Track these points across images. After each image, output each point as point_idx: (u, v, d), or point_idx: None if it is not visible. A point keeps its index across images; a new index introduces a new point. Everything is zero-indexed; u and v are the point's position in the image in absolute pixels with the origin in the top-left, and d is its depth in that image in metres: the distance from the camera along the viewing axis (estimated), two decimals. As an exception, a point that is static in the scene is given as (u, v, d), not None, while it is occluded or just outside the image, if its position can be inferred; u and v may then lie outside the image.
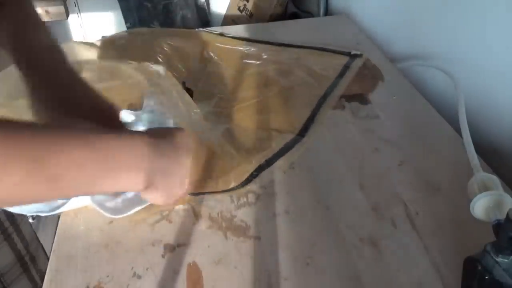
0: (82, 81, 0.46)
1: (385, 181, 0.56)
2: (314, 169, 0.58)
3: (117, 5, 1.34)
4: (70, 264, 0.47)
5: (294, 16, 1.31)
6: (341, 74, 0.76)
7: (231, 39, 0.87)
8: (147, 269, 0.46)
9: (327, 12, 1.16)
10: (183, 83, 0.70)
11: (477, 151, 0.50)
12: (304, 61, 0.80)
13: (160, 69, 0.59)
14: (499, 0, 0.59)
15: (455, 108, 0.60)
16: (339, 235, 0.49)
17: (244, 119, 0.67)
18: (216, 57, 0.82)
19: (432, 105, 0.70)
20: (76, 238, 0.50)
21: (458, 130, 0.59)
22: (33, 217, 1.16)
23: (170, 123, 0.56)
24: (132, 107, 0.60)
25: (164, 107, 0.57)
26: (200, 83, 0.75)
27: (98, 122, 0.44)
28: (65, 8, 1.22)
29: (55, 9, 1.19)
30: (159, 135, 0.39)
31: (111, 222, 0.51)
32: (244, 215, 0.52)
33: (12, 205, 0.45)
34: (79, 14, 1.44)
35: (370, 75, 0.77)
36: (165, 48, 0.78)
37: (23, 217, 0.66)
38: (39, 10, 1.07)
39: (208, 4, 1.40)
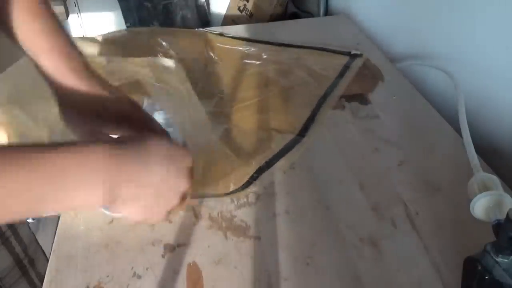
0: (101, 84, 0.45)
1: (385, 181, 0.56)
2: (314, 169, 0.58)
3: (117, 5, 1.34)
4: (70, 264, 0.47)
5: (294, 16, 1.31)
6: (341, 74, 0.76)
7: (231, 39, 0.87)
8: (147, 269, 0.46)
9: (327, 12, 1.16)
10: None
11: (477, 151, 0.50)
12: (304, 61, 0.80)
13: (170, 62, 0.58)
14: (499, 0, 0.59)
15: (455, 108, 0.60)
16: (339, 235, 0.49)
17: (244, 119, 0.67)
18: (216, 57, 0.82)
19: (432, 105, 0.70)
20: (76, 238, 0.50)
21: (458, 130, 0.59)
22: (33, 217, 1.16)
23: (170, 128, 0.54)
24: None
25: (165, 108, 0.57)
26: (200, 83, 0.75)
27: (124, 122, 0.45)
28: (65, 8, 1.22)
29: (55, 9, 1.18)
30: (126, 144, 0.36)
31: (111, 222, 0.51)
32: (244, 215, 0.52)
33: None
34: (79, 14, 1.45)
35: (370, 75, 0.77)
36: (165, 46, 0.78)
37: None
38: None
39: (208, 4, 1.40)
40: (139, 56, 0.62)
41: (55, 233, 0.51)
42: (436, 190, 0.55)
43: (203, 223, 0.51)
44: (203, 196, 0.54)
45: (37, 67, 0.44)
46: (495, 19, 0.60)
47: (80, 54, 0.45)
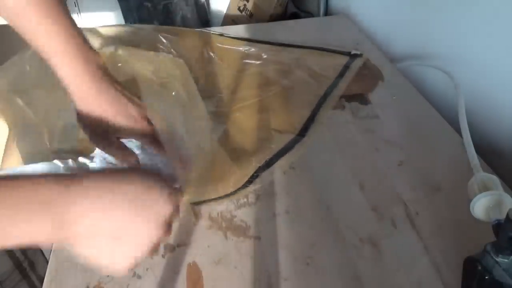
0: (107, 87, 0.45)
1: (385, 181, 0.56)
2: (314, 169, 0.58)
3: (117, 5, 1.34)
4: (70, 264, 0.47)
5: (294, 16, 1.31)
6: (341, 74, 0.76)
7: (231, 39, 0.87)
8: (147, 269, 0.46)
9: (327, 12, 1.16)
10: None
11: (477, 151, 0.50)
12: (304, 61, 0.80)
13: (180, 60, 0.58)
14: (499, 0, 0.59)
15: (455, 108, 0.60)
16: (339, 235, 0.49)
17: (244, 119, 0.67)
18: (216, 57, 0.82)
19: (432, 105, 0.70)
20: (76, 238, 0.50)
21: (458, 130, 0.59)
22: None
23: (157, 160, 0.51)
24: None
25: (166, 107, 0.56)
26: (200, 83, 0.75)
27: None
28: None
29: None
30: (92, 180, 0.33)
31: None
32: (244, 215, 0.52)
33: None
34: (79, 14, 1.44)
35: (370, 75, 0.77)
36: (166, 44, 0.78)
37: None
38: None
39: (208, 4, 1.40)
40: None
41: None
42: (436, 190, 0.55)
43: (203, 223, 0.51)
44: (202, 201, 0.54)
45: (52, 68, 0.43)
46: (495, 19, 0.60)
47: (96, 54, 0.45)
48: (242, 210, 0.52)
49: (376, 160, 0.60)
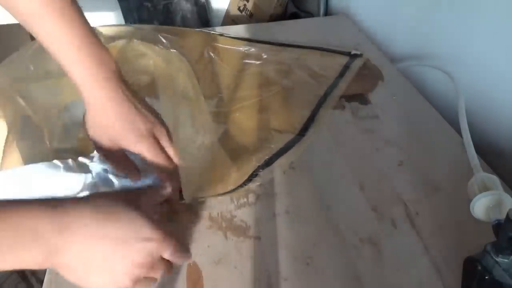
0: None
1: (385, 181, 0.56)
2: (314, 169, 0.58)
3: (117, 5, 1.33)
4: (70, 264, 0.46)
5: (294, 16, 1.31)
6: (341, 74, 0.76)
7: (231, 39, 0.87)
8: (147, 269, 0.46)
9: (327, 12, 1.16)
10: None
11: (477, 151, 0.50)
12: (304, 61, 0.80)
13: (184, 59, 0.58)
14: (499, 0, 0.59)
15: (455, 108, 0.60)
16: (339, 235, 0.49)
17: (244, 119, 0.67)
18: (216, 57, 0.82)
19: (432, 105, 0.70)
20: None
21: (458, 130, 0.59)
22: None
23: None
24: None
25: (168, 106, 0.55)
26: (200, 83, 0.75)
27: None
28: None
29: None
30: (81, 208, 0.34)
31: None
32: (244, 215, 0.52)
33: None
34: (79, 14, 1.44)
35: (370, 75, 0.77)
36: (166, 44, 0.78)
37: None
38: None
39: (208, 4, 1.40)
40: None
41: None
42: (436, 190, 0.55)
43: (203, 223, 0.51)
44: (201, 197, 0.54)
45: (65, 71, 0.43)
46: (495, 19, 0.60)
47: (111, 58, 0.44)
48: (242, 210, 0.52)
49: (376, 160, 0.60)
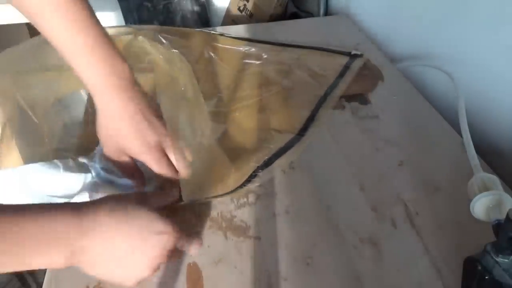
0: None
1: (385, 181, 0.56)
2: (314, 169, 0.58)
3: (117, 5, 1.33)
4: (70, 264, 0.47)
5: (294, 16, 1.31)
6: (341, 74, 0.76)
7: (231, 39, 0.87)
8: (147, 269, 0.46)
9: (327, 12, 1.16)
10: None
11: (477, 151, 0.50)
12: (305, 61, 0.80)
13: (184, 59, 0.58)
14: (499, 0, 0.59)
15: (455, 108, 0.60)
16: (339, 235, 0.49)
17: (244, 119, 0.67)
18: (216, 57, 0.82)
19: (432, 105, 0.70)
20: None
21: (458, 130, 0.59)
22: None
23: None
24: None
25: (167, 105, 0.55)
26: (200, 83, 0.75)
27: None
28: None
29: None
30: (99, 210, 0.36)
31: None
32: (244, 215, 0.52)
33: None
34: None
35: (370, 75, 0.77)
36: (166, 45, 0.78)
37: None
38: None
39: (208, 4, 1.40)
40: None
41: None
42: (436, 190, 0.55)
43: (203, 223, 0.51)
44: (201, 200, 0.53)
45: (80, 78, 0.43)
46: (495, 19, 0.60)
47: (123, 63, 0.44)
48: (242, 210, 0.52)
49: (376, 160, 0.60)
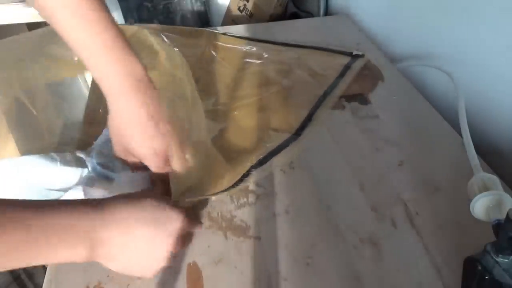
0: None
1: (385, 181, 0.56)
2: (314, 169, 0.58)
3: (117, 5, 1.33)
4: (70, 264, 0.46)
5: (294, 16, 1.31)
6: (342, 74, 0.76)
7: (233, 38, 0.87)
8: (147, 269, 0.46)
9: (327, 12, 1.16)
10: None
11: (477, 151, 0.50)
12: (305, 61, 0.80)
13: (183, 58, 0.58)
14: (499, 0, 0.59)
15: (455, 108, 0.60)
16: (339, 235, 0.49)
17: (243, 117, 0.67)
18: (217, 56, 0.82)
19: (432, 105, 0.70)
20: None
21: (458, 130, 0.59)
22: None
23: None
24: None
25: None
26: (201, 81, 0.76)
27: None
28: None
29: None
30: (114, 205, 0.38)
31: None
32: (244, 215, 0.52)
33: None
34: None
35: (370, 75, 0.77)
36: (168, 44, 0.78)
37: None
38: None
39: (208, 4, 1.40)
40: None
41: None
42: (436, 190, 0.55)
43: (203, 223, 0.51)
44: (196, 198, 0.53)
45: (95, 79, 0.44)
46: (495, 19, 0.60)
47: (138, 64, 0.44)
48: (242, 210, 0.52)
49: (376, 160, 0.60)
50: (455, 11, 0.69)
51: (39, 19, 1.06)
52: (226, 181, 0.54)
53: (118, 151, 0.48)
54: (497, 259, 0.35)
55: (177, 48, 0.72)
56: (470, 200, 0.44)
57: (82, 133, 0.61)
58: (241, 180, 0.55)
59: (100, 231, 0.36)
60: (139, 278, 0.44)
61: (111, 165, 0.51)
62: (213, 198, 0.54)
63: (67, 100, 0.63)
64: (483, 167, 0.51)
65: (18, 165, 0.48)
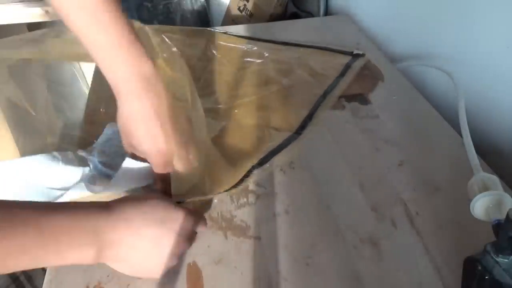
0: None
1: (385, 181, 0.56)
2: (314, 169, 0.58)
3: (117, 5, 1.33)
4: (70, 264, 0.47)
5: (294, 16, 1.31)
6: (342, 74, 0.76)
7: (233, 37, 0.87)
8: (147, 269, 0.46)
9: (327, 12, 1.16)
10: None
11: (477, 151, 0.50)
12: (306, 60, 0.80)
13: (182, 60, 0.58)
14: (499, 0, 0.59)
15: (455, 108, 0.60)
16: (339, 235, 0.49)
17: (243, 116, 0.67)
18: (218, 55, 0.82)
19: (432, 105, 0.70)
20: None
21: (458, 130, 0.59)
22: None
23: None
24: None
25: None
26: (202, 80, 0.76)
27: None
28: (65, 8, 1.22)
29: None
30: (120, 207, 0.39)
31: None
32: (244, 215, 0.52)
33: None
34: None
35: (370, 75, 0.77)
36: (168, 43, 0.78)
37: None
38: (39, 10, 1.07)
39: (208, 4, 1.40)
40: None
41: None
42: (436, 190, 0.55)
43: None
44: (197, 198, 0.53)
45: (103, 73, 0.44)
46: (495, 19, 0.60)
47: (149, 60, 0.44)
48: (242, 210, 0.52)
49: (376, 160, 0.60)
50: (455, 11, 0.69)
51: (39, 19, 1.06)
52: (227, 182, 0.54)
53: (126, 145, 0.49)
54: (497, 259, 0.35)
55: (177, 48, 0.72)
56: (470, 200, 0.44)
57: (83, 132, 0.61)
58: (242, 180, 0.55)
59: (108, 233, 0.37)
60: (139, 278, 0.44)
61: (113, 163, 0.51)
62: (215, 199, 0.54)
63: (67, 100, 0.64)
64: (483, 167, 0.51)
65: (20, 165, 0.48)
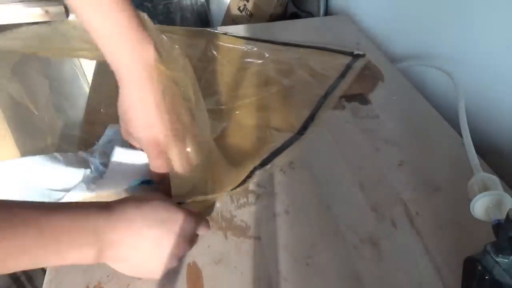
0: None
1: (385, 181, 0.56)
2: (314, 169, 0.58)
3: (117, 5, 1.33)
4: (70, 264, 0.47)
5: (294, 16, 1.31)
6: (343, 74, 0.76)
7: (234, 37, 0.87)
8: (147, 269, 0.46)
9: (327, 12, 1.16)
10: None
11: (477, 151, 0.50)
12: (306, 60, 0.80)
13: (186, 59, 0.58)
14: (499, 0, 0.59)
15: (455, 108, 0.60)
16: (339, 235, 0.49)
17: (244, 117, 0.67)
18: (218, 56, 0.82)
19: (432, 105, 0.70)
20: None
21: (458, 130, 0.59)
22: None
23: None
24: None
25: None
26: (202, 81, 0.76)
27: None
28: (65, 8, 1.22)
29: (55, 9, 1.19)
30: (121, 207, 0.39)
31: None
32: (244, 215, 0.52)
33: None
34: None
35: (370, 75, 0.77)
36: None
37: None
38: (39, 10, 1.07)
39: (208, 4, 1.40)
40: None
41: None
42: (436, 190, 0.55)
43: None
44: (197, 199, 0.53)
45: (107, 59, 0.44)
46: (495, 19, 0.60)
47: (152, 47, 0.45)
48: (242, 210, 0.52)
49: (376, 160, 0.60)
50: (455, 11, 0.69)
51: (39, 19, 1.06)
52: (229, 183, 0.54)
53: (123, 132, 0.49)
54: (497, 259, 0.35)
55: (178, 47, 0.72)
56: (470, 200, 0.44)
57: (83, 133, 0.61)
58: (244, 181, 0.55)
59: (108, 233, 0.37)
60: (139, 278, 0.44)
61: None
62: (217, 204, 0.54)
63: (68, 99, 0.63)
64: (483, 167, 0.51)
65: (21, 166, 0.48)
